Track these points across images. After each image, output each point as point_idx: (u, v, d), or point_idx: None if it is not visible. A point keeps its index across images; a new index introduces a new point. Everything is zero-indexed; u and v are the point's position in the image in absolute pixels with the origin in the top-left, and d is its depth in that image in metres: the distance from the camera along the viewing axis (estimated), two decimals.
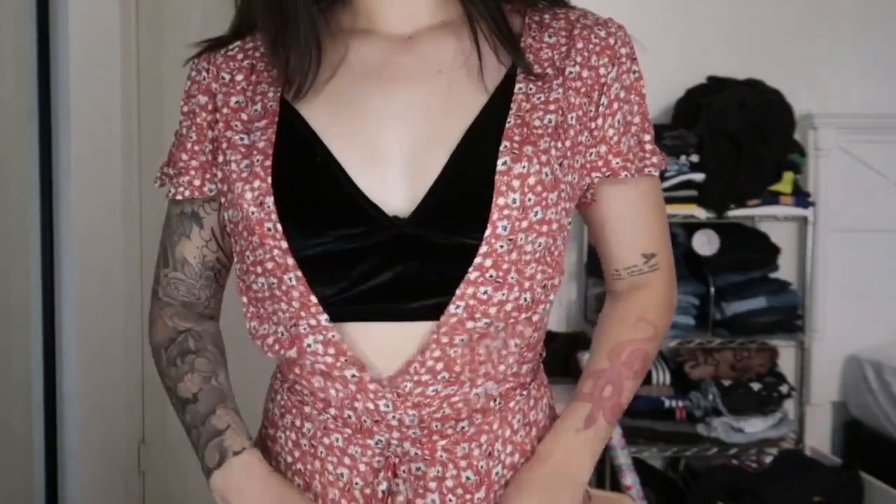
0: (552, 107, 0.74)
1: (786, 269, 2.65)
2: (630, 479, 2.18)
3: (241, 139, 0.75)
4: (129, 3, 2.45)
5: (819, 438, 2.76)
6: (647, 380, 2.50)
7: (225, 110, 0.78)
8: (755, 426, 2.49)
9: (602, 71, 0.76)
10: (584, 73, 0.75)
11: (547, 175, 0.71)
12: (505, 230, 0.69)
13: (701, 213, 2.46)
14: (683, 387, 2.56)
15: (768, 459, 2.45)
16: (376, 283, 0.69)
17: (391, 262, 0.69)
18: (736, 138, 2.43)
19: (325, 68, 0.75)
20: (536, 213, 0.70)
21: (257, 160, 0.72)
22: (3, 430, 1.98)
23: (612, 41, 0.77)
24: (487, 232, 0.68)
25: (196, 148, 0.80)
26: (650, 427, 2.45)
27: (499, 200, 0.68)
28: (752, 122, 2.45)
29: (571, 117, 0.75)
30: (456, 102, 0.73)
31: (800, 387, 2.69)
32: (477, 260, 0.69)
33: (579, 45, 0.76)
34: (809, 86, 2.73)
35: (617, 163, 0.77)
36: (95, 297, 2.19)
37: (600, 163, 0.77)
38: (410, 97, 0.73)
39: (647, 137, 0.81)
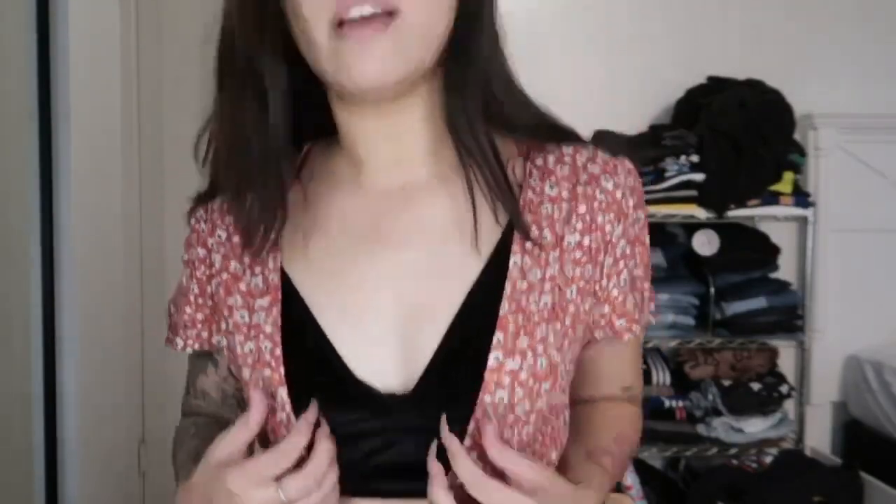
0: (548, 285, 0.69)
1: (786, 269, 2.66)
2: (630, 479, 2.18)
3: (243, 317, 0.72)
4: (129, 3, 2.46)
5: (819, 438, 2.76)
6: (648, 380, 2.51)
7: (224, 275, 0.75)
8: (755, 426, 2.49)
9: (608, 228, 0.71)
10: (586, 241, 0.71)
11: (542, 366, 0.68)
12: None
13: (701, 213, 2.46)
14: (683, 387, 2.56)
15: (768, 459, 2.45)
16: (374, 464, 0.68)
17: (388, 445, 0.67)
18: (736, 138, 2.43)
19: (316, 225, 0.72)
20: (524, 406, 0.67)
21: (265, 346, 0.70)
22: (3, 430, 1.98)
23: (618, 194, 0.72)
24: (471, 426, 0.66)
25: (199, 301, 0.79)
26: (650, 427, 2.45)
27: (485, 398, 0.66)
28: (752, 122, 2.45)
29: (571, 291, 0.71)
30: (448, 271, 0.69)
31: (800, 387, 2.69)
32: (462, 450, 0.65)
33: (581, 210, 0.71)
34: (809, 86, 2.73)
35: (621, 324, 0.74)
36: (95, 297, 2.19)
37: (603, 322, 0.74)
38: (402, 264, 0.69)
39: (647, 285, 0.77)
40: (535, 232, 0.70)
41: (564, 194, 0.71)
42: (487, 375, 0.66)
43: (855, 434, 2.76)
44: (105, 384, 2.27)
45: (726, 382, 2.50)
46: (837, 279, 2.75)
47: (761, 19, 2.80)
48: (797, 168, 2.55)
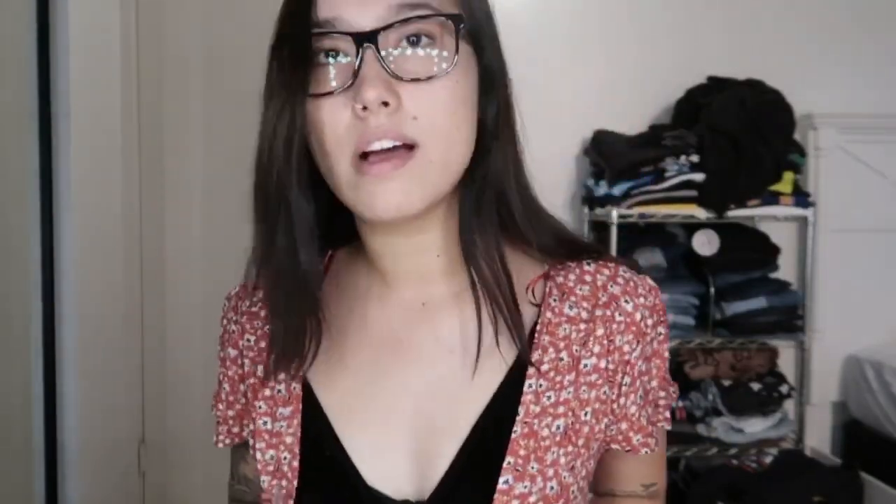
0: (561, 409, 0.70)
1: (786, 269, 2.66)
2: None
3: (265, 424, 0.74)
4: (129, 4, 2.45)
5: (819, 438, 2.77)
6: None
7: (251, 380, 0.77)
8: (755, 426, 2.49)
9: (626, 349, 0.72)
10: (603, 363, 0.71)
11: (552, 489, 0.68)
12: None
13: (701, 213, 2.46)
14: (683, 387, 2.56)
15: (768, 459, 2.45)
16: None
17: None
18: (736, 138, 2.43)
19: (338, 334, 0.73)
20: None
21: (284, 457, 0.72)
22: (3, 430, 1.98)
23: (637, 316, 0.72)
24: None
25: (231, 399, 0.80)
26: None
27: None
28: (752, 122, 2.45)
29: (586, 413, 0.71)
30: (465, 387, 0.70)
31: (800, 387, 2.69)
32: None
33: (599, 332, 0.71)
34: (809, 86, 2.73)
35: (637, 440, 0.74)
36: (95, 297, 2.19)
37: (620, 437, 0.75)
38: (421, 377, 0.71)
39: (663, 394, 0.77)
40: (549, 356, 0.71)
41: (584, 315, 0.72)
42: (497, 497, 0.67)
43: (855, 434, 2.76)
44: (105, 384, 2.27)
45: (726, 382, 2.51)
46: (837, 279, 2.75)
47: (761, 19, 2.80)
48: (797, 168, 2.55)
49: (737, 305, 2.51)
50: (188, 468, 2.64)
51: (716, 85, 2.63)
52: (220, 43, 2.62)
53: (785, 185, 2.51)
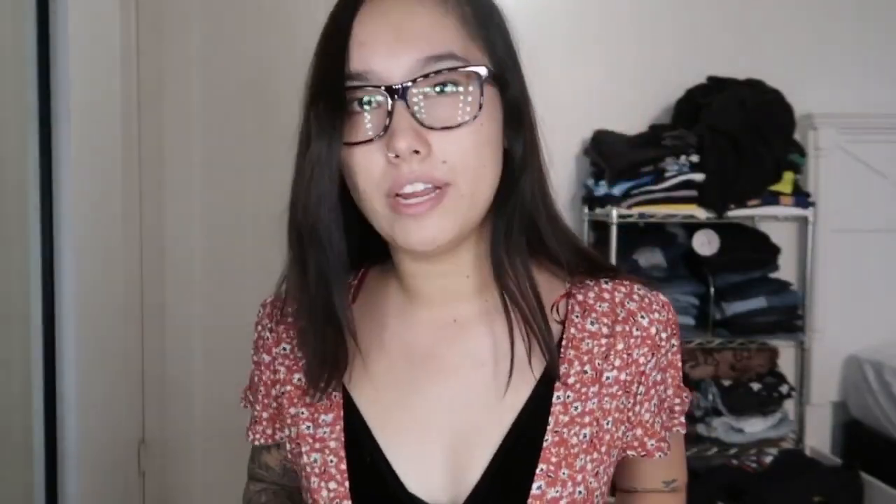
0: (587, 418, 0.75)
1: (786, 269, 2.66)
2: None
3: (308, 429, 0.78)
4: (129, 3, 2.45)
5: (819, 438, 2.76)
6: None
7: (288, 387, 0.81)
8: (755, 426, 2.49)
9: (641, 360, 0.77)
10: (622, 376, 0.76)
11: (580, 493, 0.73)
12: None
13: (701, 213, 2.46)
14: None
15: (768, 459, 2.45)
16: None
17: None
18: (736, 138, 2.43)
19: (375, 346, 0.78)
20: None
21: (331, 461, 0.76)
22: (3, 430, 1.98)
23: (653, 330, 0.77)
24: None
25: (265, 401, 0.84)
26: None
27: None
28: (752, 122, 2.45)
29: (608, 422, 0.76)
30: (498, 399, 0.74)
31: (800, 387, 2.69)
32: None
33: (619, 347, 0.76)
34: (809, 86, 2.73)
35: (652, 444, 0.79)
36: (95, 297, 2.19)
37: (636, 443, 0.79)
38: (454, 392, 0.75)
39: (678, 401, 0.82)
40: (574, 369, 0.75)
41: (604, 330, 0.76)
42: (531, 502, 0.71)
43: (855, 434, 2.76)
44: (105, 384, 2.27)
45: (726, 382, 2.51)
46: (837, 279, 2.75)
47: (761, 19, 2.80)
48: (797, 168, 2.55)
49: (737, 305, 2.51)
50: (188, 468, 2.64)
51: (716, 85, 2.63)
52: (221, 43, 2.62)
53: (785, 185, 2.51)
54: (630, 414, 0.77)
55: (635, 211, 2.43)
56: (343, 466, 0.75)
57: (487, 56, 0.70)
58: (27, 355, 2.02)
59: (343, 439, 0.76)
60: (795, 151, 2.55)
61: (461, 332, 0.77)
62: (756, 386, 2.50)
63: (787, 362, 2.70)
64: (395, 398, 0.76)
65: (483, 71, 0.68)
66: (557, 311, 0.77)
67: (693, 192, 2.44)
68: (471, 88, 0.67)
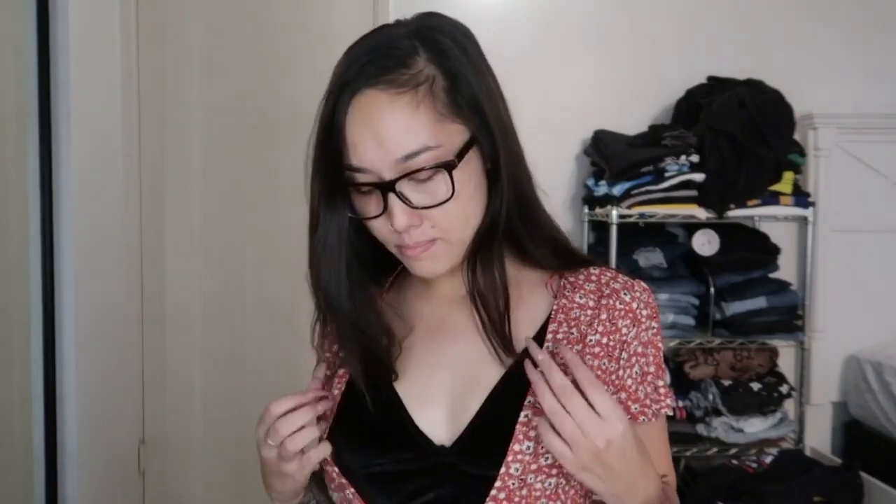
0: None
1: (786, 269, 2.66)
2: None
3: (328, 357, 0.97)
4: (129, 3, 2.45)
5: (819, 438, 2.77)
6: None
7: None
8: (755, 426, 2.49)
9: (624, 331, 0.88)
10: (605, 340, 0.88)
11: None
12: (517, 471, 0.82)
13: (701, 213, 2.46)
14: (683, 387, 2.56)
15: (768, 459, 2.44)
16: (422, 501, 0.85)
17: (433, 485, 0.85)
18: (736, 138, 2.43)
19: (404, 323, 0.95)
20: (547, 458, 0.82)
21: (336, 383, 0.94)
22: (3, 430, 1.98)
23: (634, 305, 0.89)
24: (502, 470, 0.82)
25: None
26: None
27: (514, 446, 0.82)
28: (752, 122, 2.45)
29: None
30: (492, 356, 0.88)
31: (800, 387, 2.69)
32: (492, 492, 0.82)
33: (603, 316, 0.88)
34: (809, 86, 2.74)
35: (635, 408, 0.88)
36: (95, 297, 2.19)
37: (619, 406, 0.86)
38: (458, 350, 0.91)
39: (661, 383, 0.91)
40: (562, 329, 0.89)
41: (591, 304, 0.90)
42: (518, 428, 0.83)
43: (855, 434, 2.76)
44: (105, 385, 2.27)
45: (726, 382, 2.51)
46: (837, 279, 2.75)
47: (761, 19, 2.80)
48: (797, 168, 2.56)
49: (737, 305, 2.51)
50: (188, 468, 2.64)
51: (716, 85, 2.63)
52: (221, 42, 2.62)
53: (785, 185, 2.51)
54: (614, 377, 0.88)
55: (635, 211, 2.43)
56: (342, 386, 0.92)
57: (463, 122, 0.82)
58: (27, 355, 2.02)
59: (343, 388, 0.92)
60: (795, 151, 2.55)
61: (466, 305, 0.91)
62: (756, 386, 2.50)
63: (787, 362, 2.70)
64: (413, 358, 0.92)
65: (453, 158, 0.81)
66: (551, 287, 0.92)
67: (693, 192, 2.44)
68: (446, 173, 0.81)
